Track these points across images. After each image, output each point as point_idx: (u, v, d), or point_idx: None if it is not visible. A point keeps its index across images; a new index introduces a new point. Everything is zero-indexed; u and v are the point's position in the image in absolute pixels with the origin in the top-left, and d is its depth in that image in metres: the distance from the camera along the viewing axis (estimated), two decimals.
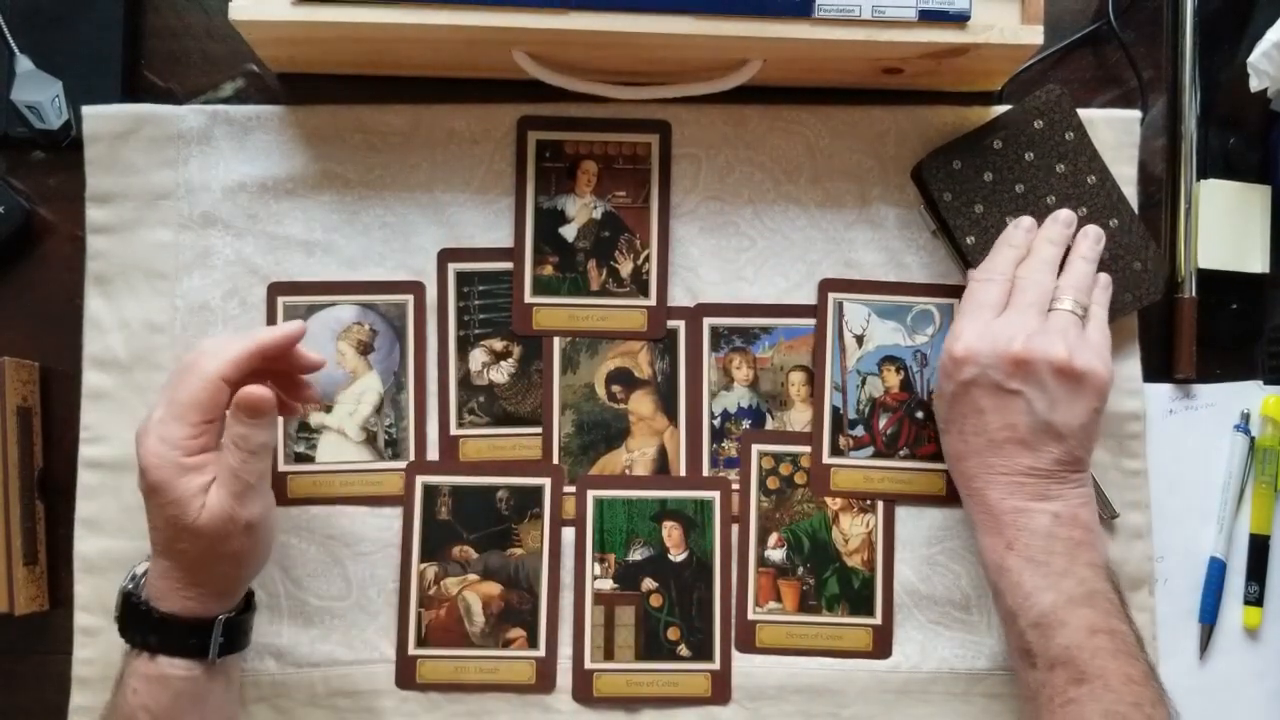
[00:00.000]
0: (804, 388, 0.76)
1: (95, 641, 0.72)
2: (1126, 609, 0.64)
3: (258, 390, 0.59)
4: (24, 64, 0.74)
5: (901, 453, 0.75)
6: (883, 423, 0.75)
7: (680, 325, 0.76)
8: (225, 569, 0.62)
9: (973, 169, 0.74)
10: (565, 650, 0.74)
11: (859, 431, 0.75)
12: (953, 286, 0.76)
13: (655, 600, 0.74)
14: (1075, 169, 0.74)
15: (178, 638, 0.61)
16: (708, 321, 0.75)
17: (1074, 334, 0.66)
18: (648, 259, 0.75)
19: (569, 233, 0.75)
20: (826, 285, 0.76)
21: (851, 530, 0.75)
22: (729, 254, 0.76)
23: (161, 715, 0.60)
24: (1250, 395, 0.77)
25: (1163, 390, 0.77)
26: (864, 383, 0.76)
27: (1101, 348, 0.67)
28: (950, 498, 0.75)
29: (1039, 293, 0.67)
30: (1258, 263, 0.77)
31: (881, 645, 0.74)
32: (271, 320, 0.74)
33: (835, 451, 0.75)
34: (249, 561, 0.63)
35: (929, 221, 0.75)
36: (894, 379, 0.76)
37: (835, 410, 0.75)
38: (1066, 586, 0.62)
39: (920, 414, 0.75)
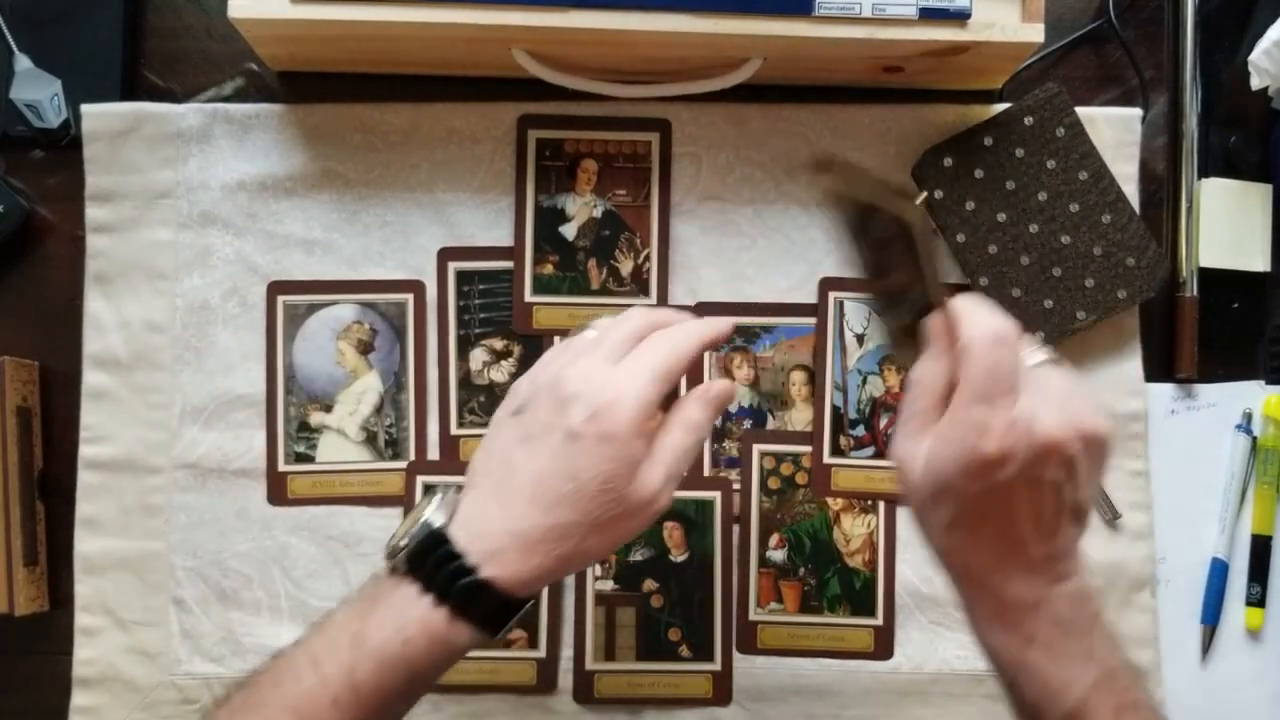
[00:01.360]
0: (805, 387, 0.75)
1: (95, 641, 0.72)
2: (1134, 668, 0.58)
3: (729, 381, 0.60)
4: (23, 62, 0.74)
5: None
6: (884, 422, 0.75)
7: None
8: (601, 546, 0.55)
9: (964, 166, 0.74)
10: (566, 651, 0.74)
11: (860, 431, 0.75)
12: (954, 286, 0.76)
13: (656, 601, 0.74)
14: (1066, 165, 0.74)
15: (488, 607, 0.53)
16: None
17: (1073, 389, 0.56)
18: (648, 258, 0.75)
19: (569, 231, 0.75)
20: (827, 284, 0.75)
21: (853, 531, 0.75)
22: (730, 253, 0.76)
23: (420, 680, 0.53)
24: (1252, 395, 0.77)
25: (1164, 390, 0.77)
26: (865, 382, 0.75)
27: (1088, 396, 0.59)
28: None
29: (1016, 359, 0.56)
30: (1259, 261, 0.77)
31: (883, 646, 0.74)
32: (272, 319, 0.74)
33: (836, 451, 0.75)
34: (617, 547, 0.57)
35: (929, 220, 0.75)
36: (895, 378, 0.76)
37: (836, 410, 0.75)
38: (1091, 672, 0.56)
39: None
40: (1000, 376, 0.53)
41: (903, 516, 0.75)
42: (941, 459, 0.52)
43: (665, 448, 0.55)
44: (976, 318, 0.53)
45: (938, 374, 0.54)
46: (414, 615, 0.52)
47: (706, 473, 0.75)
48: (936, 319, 0.54)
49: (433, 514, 0.54)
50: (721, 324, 0.58)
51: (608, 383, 0.54)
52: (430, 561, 0.53)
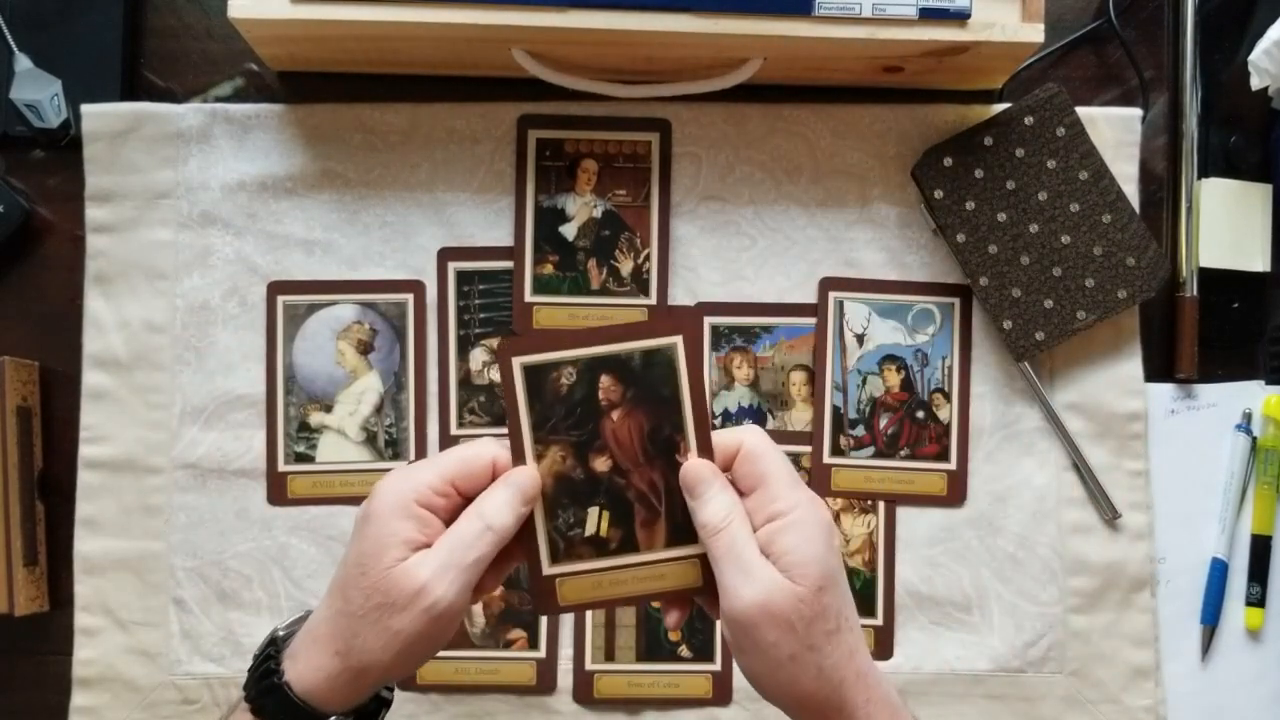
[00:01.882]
0: (805, 387, 0.75)
1: (95, 642, 0.72)
2: None
3: (531, 469, 0.52)
4: (23, 62, 0.74)
5: (902, 453, 0.75)
6: (883, 422, 0.75)
7: None
8: (374, 643, 0.49)
9: (963, 166, 0.74)
10: (566, 651, 0.74)
11: (859, 431, 0.75)
12: (954, 286, 0.76)
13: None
14: (1066, 165, 0.74)
15: (279, 709, 0.51)
16: (708, 320, 0.75)
17: None
18: (648, 258, 0.75)
19: (569, 231, 0.75)
20: (827, 284, 0.75)
21: (853, 530, 0.75)
22: (729, 253, 0.76)
23: None
24: (1252, 395, 0.77)
25: (1164, 390, 0.77)
26: (864, 382, 0.75)
27: None
28: (951, 498, 0.75)
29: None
30: (1259, 261, 0.77)
31: (883, 646, 0.74)
32: (272, 319, 0.74)
33: (836, 451, 0.75)
34: (405, 652, 0.50)
35: (929, 220, 0.75)
36: (894, 379, 0.76)
37: (836, 410, 0.75)
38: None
39: (921, 414, 0.75)
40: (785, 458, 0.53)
41: (903, 516, 0.75)
42: (811, 548, 0.49)
43: (447, 535, 0.50)
44: (735, 431, 0.52)
45: (734, 501, 0.51)
46: (234, 718, 0.52)
47: None
48: (699, 462, 0.51)
49: (297, 619, 0.54)
50: (525, 472, 0.52)
51: (393, 471, 0.52)
52: (256, 661, 0.52)
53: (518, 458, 0.51)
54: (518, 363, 0.51)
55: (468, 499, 0.51)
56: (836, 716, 0.50)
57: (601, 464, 0.52)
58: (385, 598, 0.49)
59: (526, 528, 0.52)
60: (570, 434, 0.52)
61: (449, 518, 0.51)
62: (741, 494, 0.51)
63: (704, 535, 0.50)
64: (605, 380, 0.51)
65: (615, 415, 0.52)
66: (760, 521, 0.50)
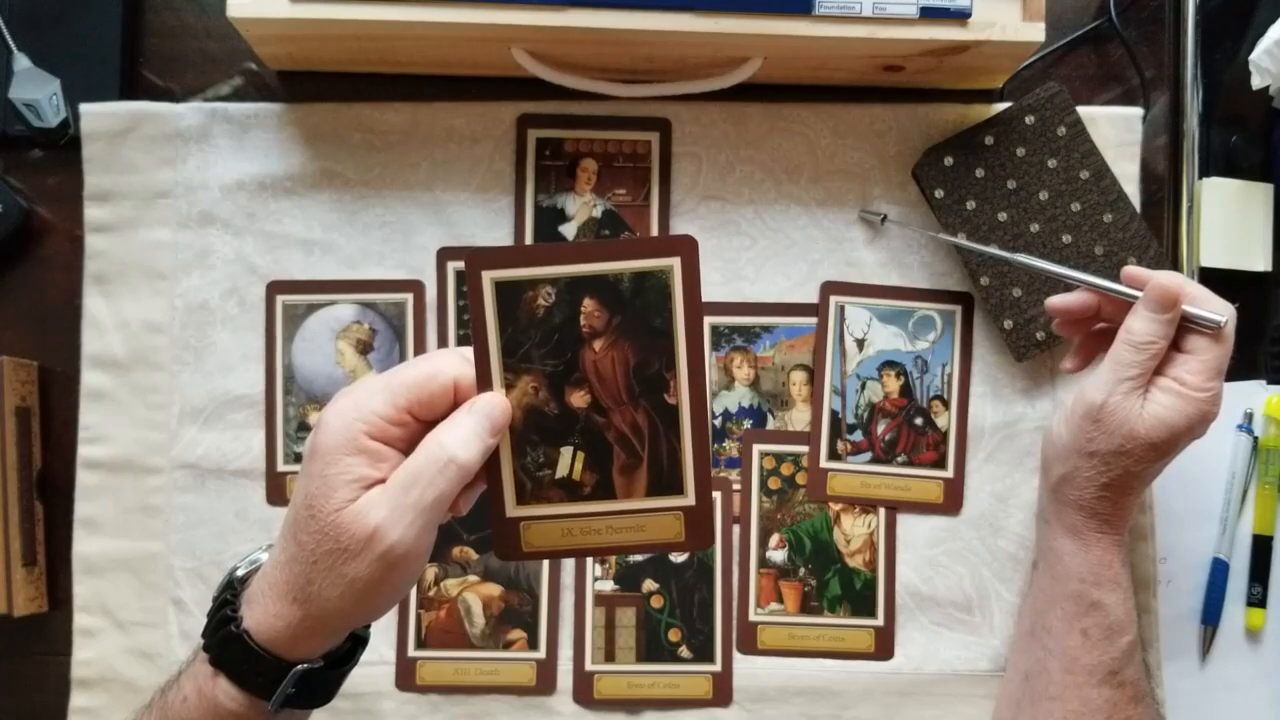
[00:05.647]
0: (805, 387, 0.75)
1: (94, 642, 0.72)
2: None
3: (500, 396, 0.48)
4: (22, 61, 0.74)
5: (900, 459, 0.75)
6: (881, 428, 0.75)
7: None
8: (330, 592, 0.46)
9: (964, 165, 0.74)
10: (566, 652, 0.74)
11: (857, 436, 0.75)
12: (956, 293, 0.76)
13: (656, 601, 0.74)
14: (1068, 164, 0.74)
15: (240, 660, 0.47)
16: (708, 320, 0.75)
17: None
18: None
19: (569, 231, 0.75)
20: (828, 288, 0.75)
21: (853, 531, 0.75)
22: (730, 253, 0.76)
23: None
24: (1253, 395, 0.77)
25: None
26: (863, 387, 0.75)
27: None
28: (948, 506, 0.74)
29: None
30: (1260, 261, 0.77)
31: (884, 647, 0.74)
32: (271, 319, 0.74)
33: (833, 456, 0.75)
34: (364, 601, 0.47)
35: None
36: (894, 384, 0.75)
37: (834, 414, 0.75)
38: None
39: (919, 421, 0.75)
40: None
41: (904, 517, 0.75)
42: (1185, 421, 0.61)
43: (403, 470, 0.46)
44: (1218, 301, 0.61)
45: (1160, 337, 0.61)
46: (192, 670, 0.49)
47: None
48: (1158, 281, 0.61)
49: (259, 554, 0.50)
50: (494, 399, 0.47)
51: (342, 394, 0.47)
52: (214, 605, 0.49)
53: (484, 385, 0.46)
54: (488, 277, 0.45)
55: (427, 424, 0.47)
56: None
57: (579, 399, 0.47)
58: (336, 543, 0.45)
59: (490, 460, 0.47)
60: (545, 363, 0.46)
61: (407, 447, 0.47)
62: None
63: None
64: (588, 304, 0.46)
65: (598, 345, 0.46)
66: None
